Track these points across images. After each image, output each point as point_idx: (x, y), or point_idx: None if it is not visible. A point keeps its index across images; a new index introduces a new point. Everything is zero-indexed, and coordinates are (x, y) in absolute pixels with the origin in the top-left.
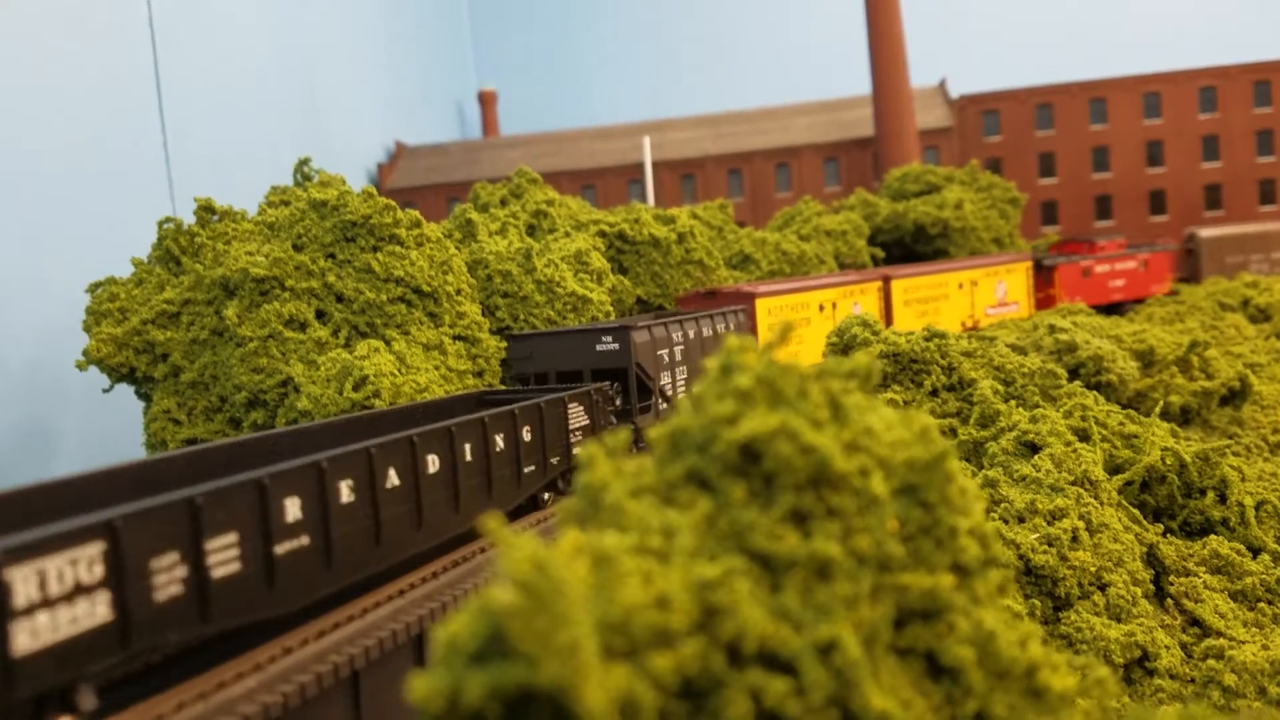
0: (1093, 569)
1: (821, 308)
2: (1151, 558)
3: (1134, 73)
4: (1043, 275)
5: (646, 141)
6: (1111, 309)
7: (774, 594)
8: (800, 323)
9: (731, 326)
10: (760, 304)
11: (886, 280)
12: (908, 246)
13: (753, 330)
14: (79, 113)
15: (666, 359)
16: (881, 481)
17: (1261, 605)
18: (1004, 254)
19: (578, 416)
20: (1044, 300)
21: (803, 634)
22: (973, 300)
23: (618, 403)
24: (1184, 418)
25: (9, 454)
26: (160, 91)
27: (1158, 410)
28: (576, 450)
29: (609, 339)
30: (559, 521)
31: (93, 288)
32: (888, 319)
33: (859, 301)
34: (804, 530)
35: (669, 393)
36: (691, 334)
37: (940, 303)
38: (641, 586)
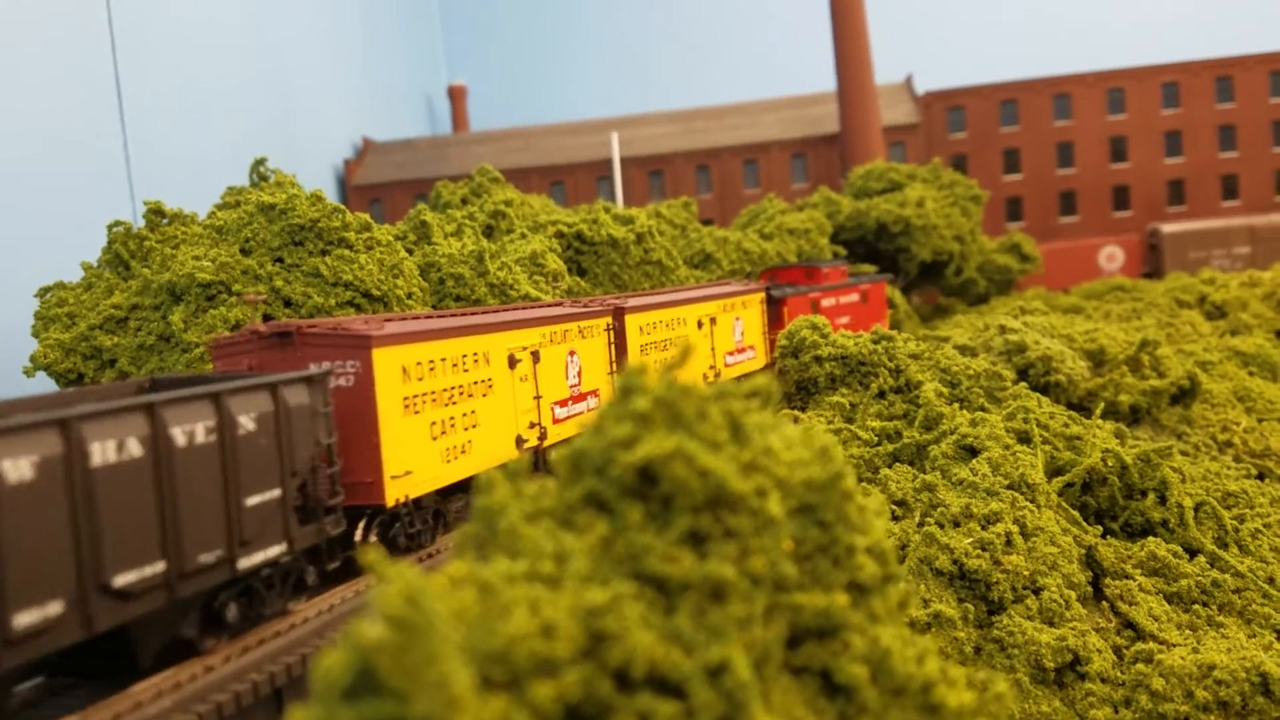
0: (1026, 573)
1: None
2: (1090, 560)
3: (1098, 68)
4: (774, 309)
5: (615, 138)
6: None
7: (667, 617)
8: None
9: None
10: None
11: (619, 315)
12: (870, 244)
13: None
14: (36, 113)
15: None
16: (778, 502)
17: (1196, 607)
18: (737, 283)
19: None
20: (777, 342)
21: (693, 656)
22: (713, 344)
23: None
24: (1134, 417)
25: None
26: (120, 91)
27: (1099, 411)
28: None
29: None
30: (455, 546)
31: (42, 292)
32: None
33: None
34: (701, 552)
35: None
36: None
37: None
38: (527, 616)
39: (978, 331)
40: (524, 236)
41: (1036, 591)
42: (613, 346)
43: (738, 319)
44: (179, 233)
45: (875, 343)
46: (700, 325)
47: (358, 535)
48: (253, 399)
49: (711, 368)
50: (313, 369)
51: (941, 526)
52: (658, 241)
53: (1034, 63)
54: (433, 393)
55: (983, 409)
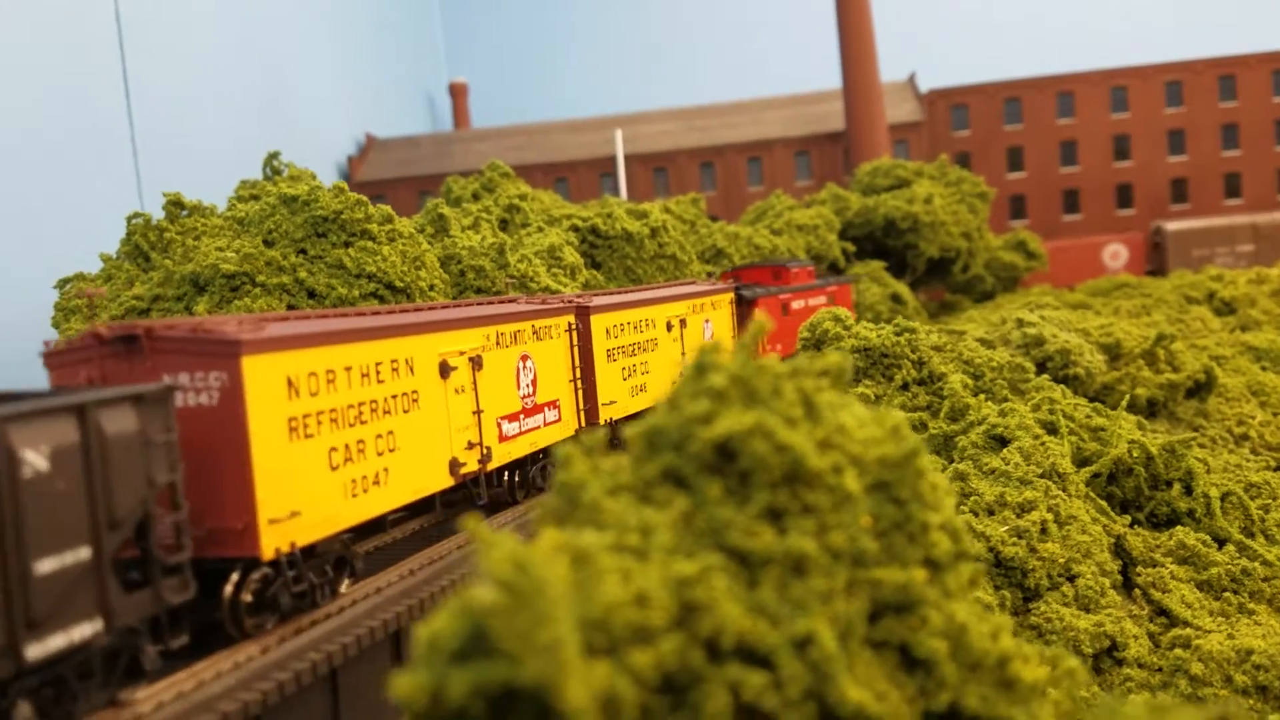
0: (1061, 560)
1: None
2: (1119, 549)
3: (1101, 67)
4: (744, 309)
5: (618, 135)
6: None
7: (750, 590)
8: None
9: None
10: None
11: (583, 314)
12: (878, 241)
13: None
14: (46, 109)
15: None
16: (855, 478)
17: (1227, 595)
18: (704, 282)
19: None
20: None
21: (779, 629)
22: (683, 348)
23: None
24: (1150, 410)
25: None
26: (128, 86)
27: (1124, 403)
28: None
29: None
30: (536, 520)
31: (61, 284)
32: (587, 396)
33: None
34: (779, 527)
35: None
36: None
37: (650, 355)
38: (620, 584)
39: (994, 325)
40: (541, 230)
41: (1071, 579)
42: (575, 350)
43: (707, 321)
44: (199, 224)
45: (898, 334)
46: (670, 327)
47: (226, 593)
48: (46, 428)
49: (682, 375)
50: (168, 381)
51: (976, 515)
52: (671, 236)
53: (1037, 61)
54: (333, 411)
55: (1006, 400)
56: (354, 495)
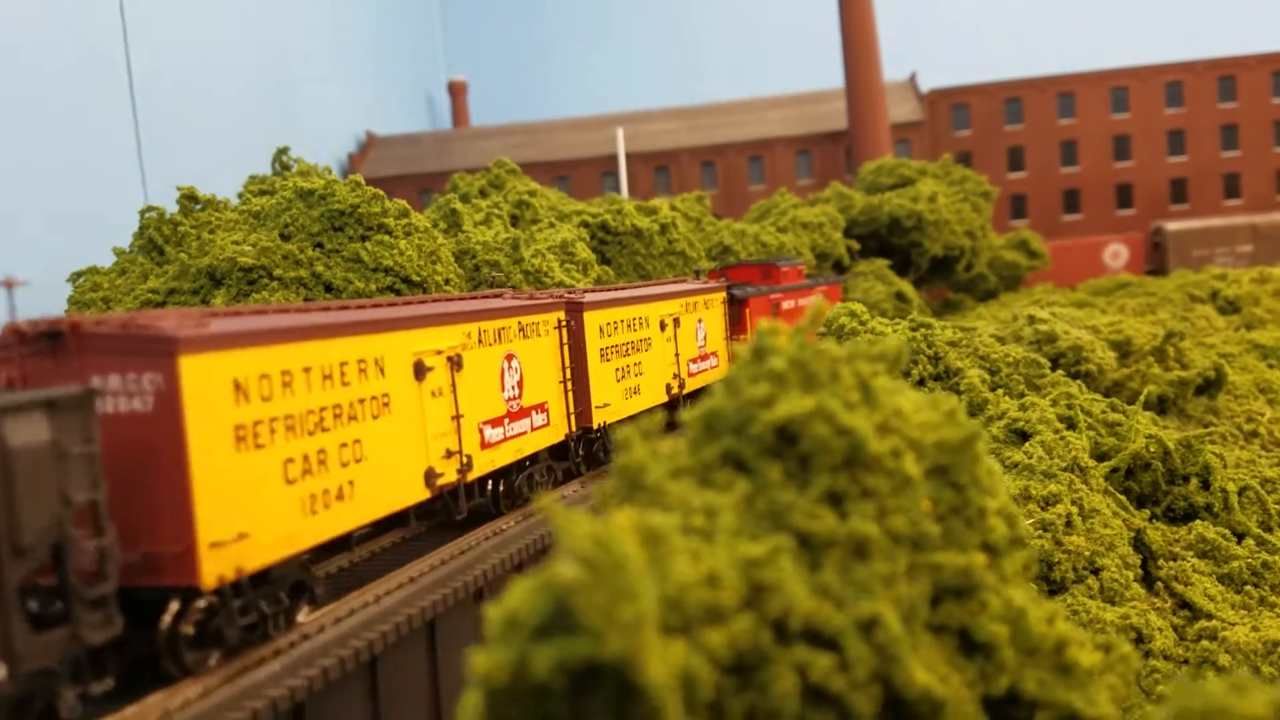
0: (1086, 553)
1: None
2: (1139, 543)
3: (1102, 67)
4: (735, 309)
5: (620, 133)
6: None
7: (813, 572)
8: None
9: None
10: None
11: (575, 310)
12: (883, 239)
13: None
14: (52, 103)
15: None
16: (914, 462)
17: (1248, 588)
18: (694, 281)
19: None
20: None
21: (845, 611)
22: (677, 349)
23: None
24: (1160, 407)
25: None
26: (132, 81)
27: (1142, 399)
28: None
29: None
30: (599, 502)
31: (74, 277)
32: (578, 398)
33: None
34: (839, 511)
35: None
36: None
37: (644, 356)
38: (691, 564)
39: (1005, 322)
40: (553, 225)
41: (1096, 572)
42: (565, 349)
43: (700, 321)
44: (213, 218)
45: (914, 330)
46: (664, 327)
47: (164, 626)
48: None
49: (675, 377)
50: (95, 384)
51: None
52: (681, 232)
53: (1038, 61)
54: (289, 417)
55: (1024, 395)
56: (313, 512)
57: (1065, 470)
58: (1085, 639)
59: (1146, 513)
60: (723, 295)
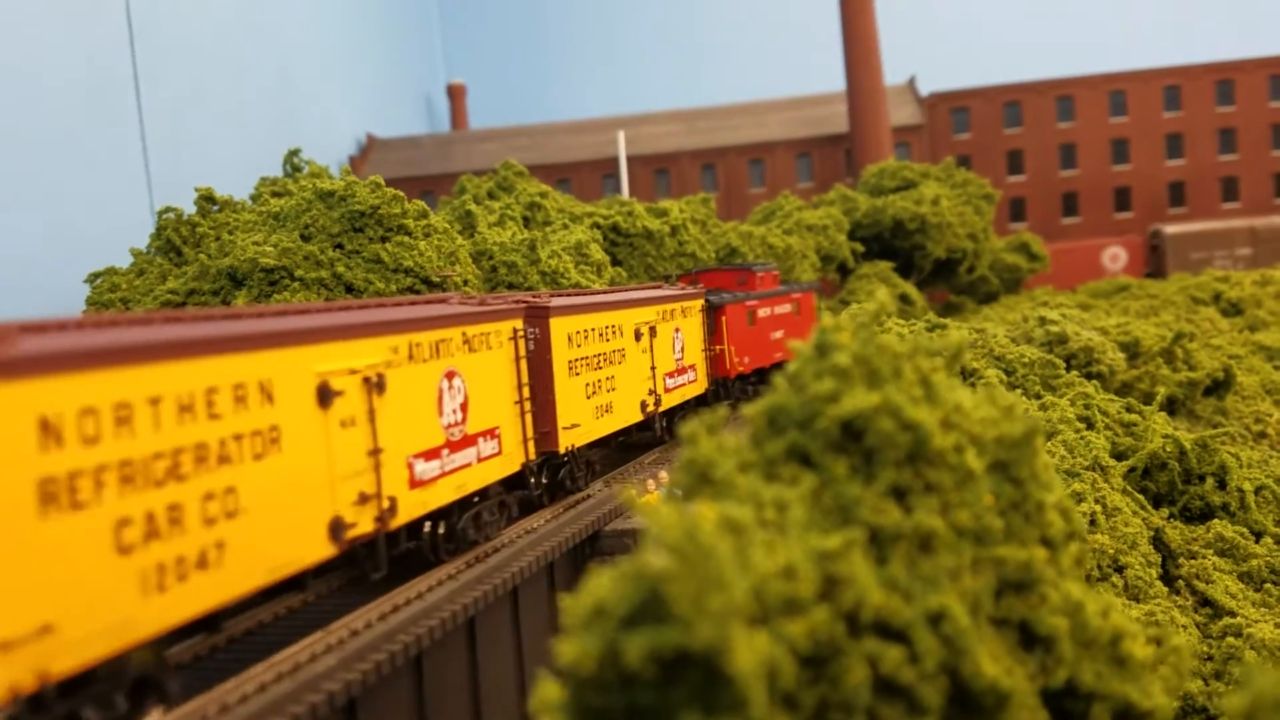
0: (1111, 551)
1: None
2: (1158, 542)
3: (1100, 71)
4: (711, 317)
5: (621, 136)
6: (769, 373)
7: (881, 566)
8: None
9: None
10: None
11: (539, 317)
12: (886, 241)
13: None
14: (60, 104)
15: None
16: (975, 457)
17: (1268, 586)
18: (669, 287)
19: None
20: (715, 359)
21: (913, 604)
22: (653, 361)
23: None
24: (1169, 407)
25: None
26: (138, 84)
27: (1159, 400)
28: None
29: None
30: (666, 495)
31: (92, 278)
32: (540, 419)
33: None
34: (904, 505)
35: None
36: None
37: (617, 369)
38: (769, 556)
39: (1014, 324)
40: (566, 227)
41: (1120, 570)
42: (521, 362)
43: (677, 330)
44: (231, 219)
45: (929, 330)
46: (639, 336)
47: None
48: None
49: (651, 393)
50: None
51: None
52: (691, 234)
53: (1037, 65)
54: (124, 464)
55: (1040, 396)
56: (161, 588)
57: (1088, 469)
58: (1138, 632)
59: (1165, 511)
60: (701, 302)
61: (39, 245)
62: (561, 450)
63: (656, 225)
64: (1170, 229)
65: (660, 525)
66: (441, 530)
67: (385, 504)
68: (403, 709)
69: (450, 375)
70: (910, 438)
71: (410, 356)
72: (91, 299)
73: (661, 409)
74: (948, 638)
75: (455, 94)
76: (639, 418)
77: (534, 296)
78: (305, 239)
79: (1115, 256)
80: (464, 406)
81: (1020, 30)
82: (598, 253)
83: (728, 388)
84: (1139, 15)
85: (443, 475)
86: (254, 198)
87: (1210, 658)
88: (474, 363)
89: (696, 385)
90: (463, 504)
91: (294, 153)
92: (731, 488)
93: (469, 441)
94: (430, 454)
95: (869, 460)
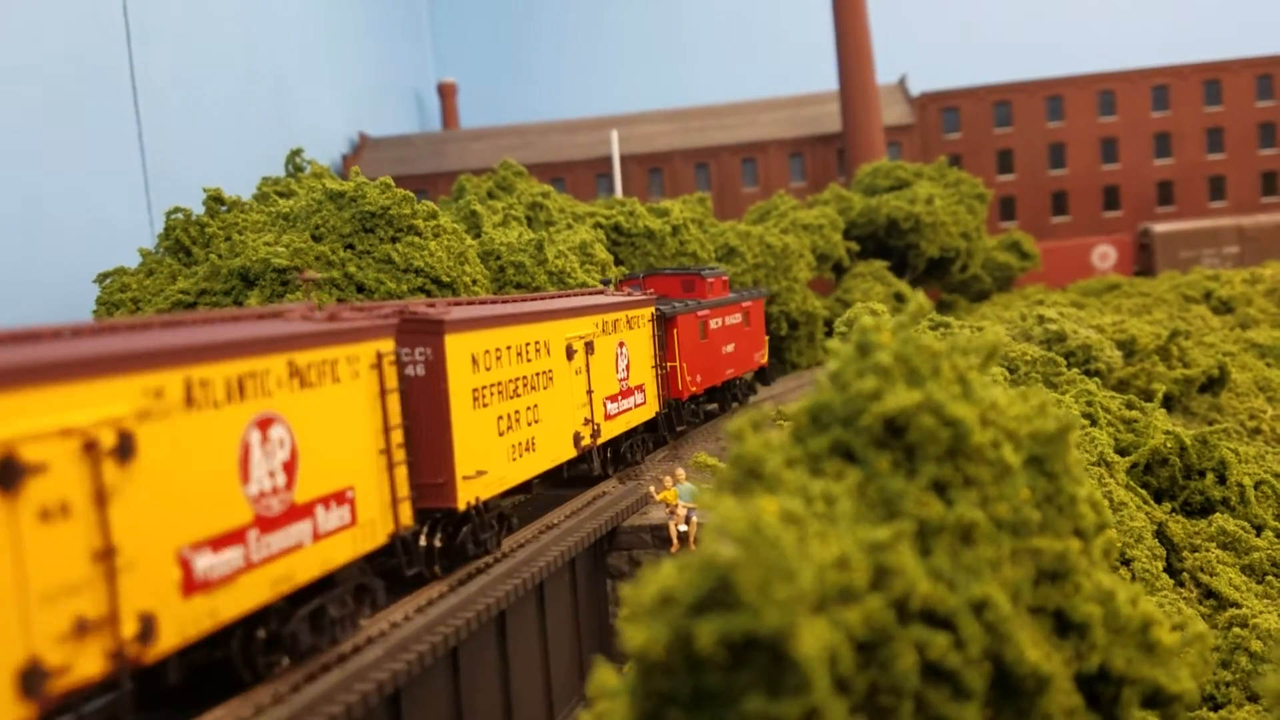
0: (1118, 545)
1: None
2: (1161, 535)
3: (1089, 71)
4: (663, 330)
5: (614, 135)
6: (719, 392)
7: (925, 557)
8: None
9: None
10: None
11: (432, 333)
12: (880, 240)
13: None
14: (60, 104)
15: None
16: (1013, 452)
17: (1270, 579)
18: (613, 293)
19: None
20: (666, 378)
21: (957, 593)
22: (590, 385)
23: None
24: (1165, 404)
25: None
26: (135, 85)
27: (1159, 397)
28: None
29: None
30: (715, 489)
31: (101, 278)
32: (436, 467)
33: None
34: (945, 499)
35: None
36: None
37: (541, 395)
38: (824, 547)
39: (1011, 322)
40: (569, 227)
41: (1127, 563)
42: (390, 397)
43: (622, 345)
44: (240, 219)
45: (933, 329)
46: (571, 354)
47: None
48: None
49: (588, 422)
50: None
51: None
52: (692, 234)
53: (1027, 65)
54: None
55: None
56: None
57: (1094, 464)
58: (1164, 619)
59: (1167, 506)
60: (651, 311)
61: (37, 245)
62: (461, 507)
63: (658, 225)
64: (1159, 228)
65: (725, 517)
66: (262, 635)
67: (142, 624)
68: (440, 699)
69: (266, 423)
70: (951, 434)
71: (188, 400)
72: (101, 299)
73: (601, 440)
74: (990, 625)
75: (446, 93)
76: (572, 454)
77: (426, 305)
78: (316, 239)
79: (1105, 255)
80: (287, 467)
81: (1010, 31)
82: (602, 252)
83: (679, 412)
84: (1127, 16)
85: (248, 569)
86: (259, 198)
87: (1217, 648)
88: (308, 403)
89: (645, 409)
90: (280, 615)
91: (296, 152)
92: (780, 482)
93: (305, 512)
94: (221, 541)
95: (910, 455)
